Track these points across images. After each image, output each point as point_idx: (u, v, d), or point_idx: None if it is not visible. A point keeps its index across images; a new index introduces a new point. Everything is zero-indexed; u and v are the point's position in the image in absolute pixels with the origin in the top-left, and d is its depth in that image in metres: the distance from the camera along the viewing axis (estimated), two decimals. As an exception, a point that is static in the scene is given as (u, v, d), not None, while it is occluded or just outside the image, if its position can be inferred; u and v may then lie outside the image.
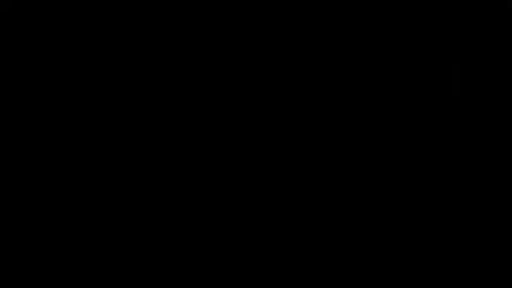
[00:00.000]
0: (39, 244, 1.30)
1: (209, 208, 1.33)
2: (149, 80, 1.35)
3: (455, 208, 1.32)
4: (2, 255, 1.29)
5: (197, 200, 1.34)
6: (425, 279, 1.28)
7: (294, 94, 1.35)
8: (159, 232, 1.32)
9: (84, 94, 1.34)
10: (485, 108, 1.32)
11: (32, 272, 1.29)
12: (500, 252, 1.28)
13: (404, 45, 1.33)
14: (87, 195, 1.33)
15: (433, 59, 1.33)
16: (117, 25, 1.34)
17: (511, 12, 1.31)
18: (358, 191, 1.33)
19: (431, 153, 1.33)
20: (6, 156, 1.32)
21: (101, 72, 1.35)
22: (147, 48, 1.35)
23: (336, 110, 1.34)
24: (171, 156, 1.34)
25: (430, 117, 1.33)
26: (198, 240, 1.32)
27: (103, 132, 1.34)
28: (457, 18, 1.33)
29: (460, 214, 1.31)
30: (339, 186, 1.33)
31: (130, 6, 1.34)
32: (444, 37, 1.33)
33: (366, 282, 1.29)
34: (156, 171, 1.34)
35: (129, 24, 1.34)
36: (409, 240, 1.31)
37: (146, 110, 1.35)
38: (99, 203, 1.33)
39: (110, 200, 1.33)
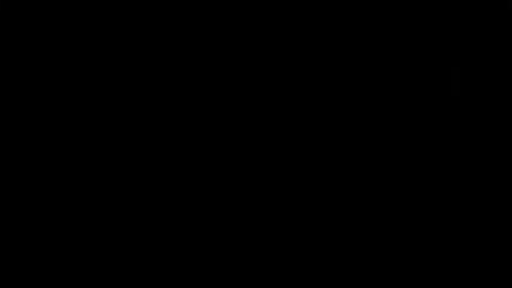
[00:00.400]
0: (38, 244, 1.30)
1: (208, 208, 1.33)
2: (149, 80, 1.35)
3: (455, 208, 1.32)
4: (2, 255, 1.29)
5: (196, 199, 1.34)
6: (425, 279, 1.28)
7: (294, 94, 1.34)
8: (158, 232, 1.32)
9: (83, 94, 1.34)
10: (485, 108, 1.32)
11: (31, 271, 1.29)
12: (500, 252, 1.28)
13: (404, 45, 1.33)
14: (86, 195, 1.33)
15: (433, 59, 1.33)
16: (117, 25, 1.34)
17: (511, 12, 1.31)
18: (358, 191, 1.33)
19: (431, 153, 1.33)
20: (6, 156, 1.32)
21: (101, 72, 1.35)
22: (147, 49, 1.35)
23: (336, 110, 1.34)
24: (170, 156, 1.34)
25: (430, 117, 1.32)
26: (197, 240, 1.32)
27: (102, 132, 1.34)
28: (457, 18, 1.33)
29: (460, 214, 1.31)
30: (339, 185, 1.33)
31: (130, 6, 1.34)
32: (444, 37, 1.33)
33: (366, 283, 1.28)
34: (156, 171, 1.34)
35: (129, 24, 1.34)
36: (409, 240, 1.30)
37: (146, 109, 1.35)
38: (98, 203, 1.33)
39: (110, 199, 1.33)
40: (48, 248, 1.30)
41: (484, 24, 1.32)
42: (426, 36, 1.33)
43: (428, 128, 1.33)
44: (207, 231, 1.32)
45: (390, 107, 1.33)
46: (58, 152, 1.33)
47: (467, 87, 1.32)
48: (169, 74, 1.35)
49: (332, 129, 1.33)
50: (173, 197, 1.33)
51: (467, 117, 1.32)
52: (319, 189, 1.33)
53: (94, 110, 1.34)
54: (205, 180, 1.33)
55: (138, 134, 1.34)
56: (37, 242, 1.31)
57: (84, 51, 1.35)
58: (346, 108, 1.34)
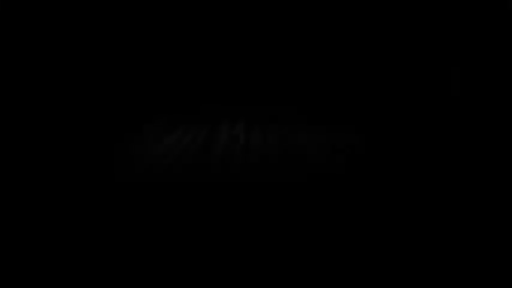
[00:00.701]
0: (37, 244, 1.30)
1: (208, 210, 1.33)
2: (149, 80, 1.35)
3: (454, 206, 1.32)
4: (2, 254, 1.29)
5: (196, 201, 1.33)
6: (425, 279, 1.28)
7: (294, 94, 1.35)
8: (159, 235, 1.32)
9: (83, 93, 1.34)
10: (485, 108, 1.32)
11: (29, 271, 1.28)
12: (500, 252, 1.28)
13: (404, 46, 1.34)
14: (85, 195, 1.33)
15: (433, 59, 1.33)
16: (117, 25, 1.34)
17: (511, 12, 1.31)
18: (357, 190, 1.33)
19: (431, 151, 1.33)
20: (5, 154, 1.32)
21: (101, 72, 1.35)
22: (146, 49, 1.35)
23: (336, 109, 1.34)
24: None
25: (430, 117, 1.33)
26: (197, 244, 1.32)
27: (101, 131, 1.34)
28: (457, 18, 1.33)
29: (459, 212, 1.31)
30: (339, 184, 1.33)
31: (129, 6, 1.34)
32: (444, 37, 1.34)
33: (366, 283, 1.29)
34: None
35: (128, 25, 1.34)
36: (409, 240, 1.31)
37: (145, 109, 1.35)
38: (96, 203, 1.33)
39: (107, 198, 1.33)
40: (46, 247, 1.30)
41: (484, 24, 1.33)
42: (427, 36, 1.34)
43: (429, 127, 1.33)
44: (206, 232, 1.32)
45: (391, 106, 1.34)
46: (57, 150, 1.33)
47: (467, 87, 1.33)
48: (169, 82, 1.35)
49: (332, 128, 1.34)
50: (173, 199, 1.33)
51: (467, 116, 1.33)
52: (318, 188, 1.33)
53: (93, 109, 1.34)
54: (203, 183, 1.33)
55: (137, 135, 1.34)
56: (35, 241, 1.30)
57: (84, 51, 1.35)
58: (346, 106, 1.34)
